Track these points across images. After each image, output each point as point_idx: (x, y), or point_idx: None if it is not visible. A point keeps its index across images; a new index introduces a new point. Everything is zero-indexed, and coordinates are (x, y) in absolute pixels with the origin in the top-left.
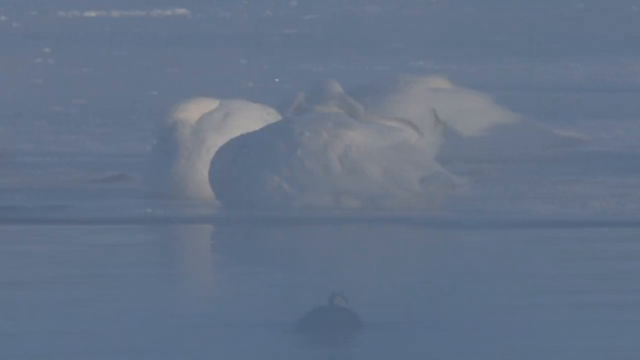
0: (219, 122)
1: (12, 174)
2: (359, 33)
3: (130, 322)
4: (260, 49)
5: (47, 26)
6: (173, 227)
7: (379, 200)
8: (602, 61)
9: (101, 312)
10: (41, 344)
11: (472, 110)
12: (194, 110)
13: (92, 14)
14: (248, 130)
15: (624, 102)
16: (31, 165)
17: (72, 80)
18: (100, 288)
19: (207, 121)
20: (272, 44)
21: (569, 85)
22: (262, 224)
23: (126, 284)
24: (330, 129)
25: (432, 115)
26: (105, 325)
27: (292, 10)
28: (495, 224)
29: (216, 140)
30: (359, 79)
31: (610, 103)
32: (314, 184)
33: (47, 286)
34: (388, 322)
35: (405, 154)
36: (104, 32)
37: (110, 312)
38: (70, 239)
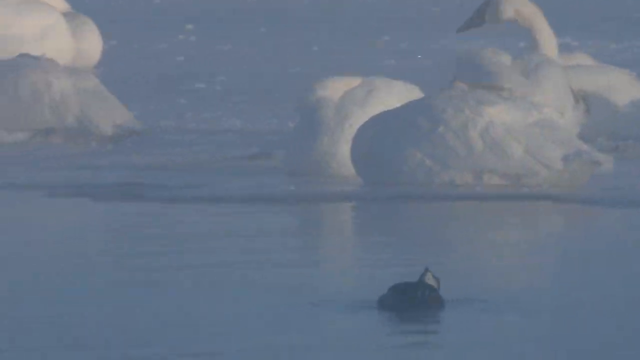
0: (361, 99)
1: (153, 151)
2: None
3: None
4: (401, 26)
5: (189, 2)
6: (315, 204)
7: (520, 178)
8: None
9: (228, 288)
10: (196, 323)
11: (614, 88)
12: (336, 88)
13: None
14: (390, 107)
15: None
16: (173, 143)
17: (214, 57)
18: (239, 266)
19: (349, 99)
20: (413, 21)
21: None
22: (404, 201)
23: (263, 261)
24: (472, 106)
25: (573, 93)
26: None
27: None
28: (639, 202)
29: (358, 118)
30: None
31: None
32: (456, 161)
33: (190, 266)
34: (478, 300)
35: (547, 131)
36: (246, 8)
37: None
38: (212, 217)
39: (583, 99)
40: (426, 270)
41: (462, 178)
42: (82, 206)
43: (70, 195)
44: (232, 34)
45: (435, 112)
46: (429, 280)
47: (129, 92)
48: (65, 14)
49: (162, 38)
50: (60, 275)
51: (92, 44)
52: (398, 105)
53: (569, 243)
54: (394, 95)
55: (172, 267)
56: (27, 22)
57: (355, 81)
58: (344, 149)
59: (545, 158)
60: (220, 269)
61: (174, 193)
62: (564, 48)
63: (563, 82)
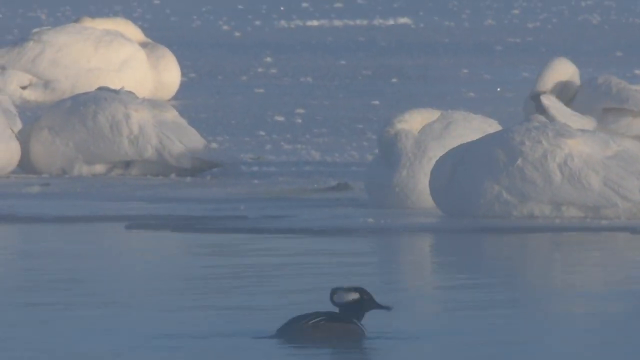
0: (440, 132)
1: (234, 183)
2: (580, 42)
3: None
4: (481, 58)
5: (269, 35)
6: (394, 236)
7: (599, 210)
8: None
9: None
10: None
11: None
12: (415, 121)
13: (315, 23)
14: (468, 140)
15: None
16: (253, 175)
17: (294, 90)
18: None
19: (428, 132)
20: (494, 53)
21: None
22: (483, 233)
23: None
24: (551, 138)
25: None
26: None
27: (515, 19)
28: None
29: (437, 151)
30: None
31: None
32: (534, 193)
33: (268, 296)
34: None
35: (626, 163)
36: (326, 41)
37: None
38: (291, 249)
39: None
40: (335, 290)
41: (541, 210)
42: (161, 238)
43: (149, 227)
44: (312, 67)
45: (514, 144)
46: (344, 297)
47: (208, 125)
48: (143, 45)
49: (242, 70)
50: (140, 308)
51: (171, 76)
52: (476, 138)
53: None
54: (473, 128)
55: (250, 296)
56: (106, 55)
57: (434, 114)
58: (423, 181)
59: (623, 190)
60: (299, 300)
61: (254, 225)
62: (636, 80)
63: None
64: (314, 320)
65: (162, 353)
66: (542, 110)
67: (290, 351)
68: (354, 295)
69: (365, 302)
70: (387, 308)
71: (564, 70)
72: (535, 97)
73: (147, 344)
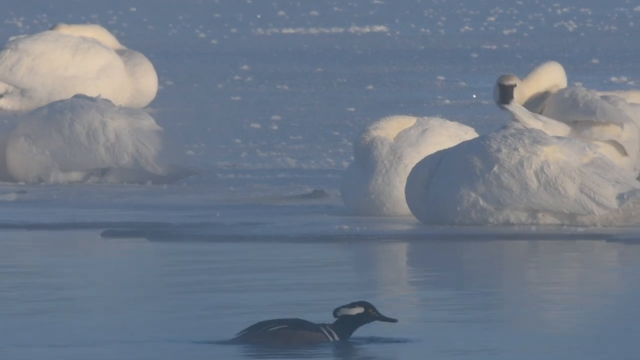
0: (416, 139)
1: (210, 190)
2: (556, 49)
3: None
4: (457, 65)
5: (245, 43)
6: (369, 243)
7: (575, 217)
8: None
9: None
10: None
11: None
12: (391, 128)
13: (291, 30)
14: (444, 147)
15: None
16: (229, 182)
17: (270, 97)
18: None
19: (404, 138)
20: (469, 60)
21: None
22: (458, 240)
23: (312, 300)
24: (527, 145)
25: (636, 132)
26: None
27: (491, 26)
28: None
29: (413, 158)
30: None
31: None
32: (510, 200)
33: (242, 301)
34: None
35: (602, 170)
36: (302, 49)
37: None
38: (266, 255)
39: None
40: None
41: (517, 217)
42: (137, 245)
43: (125, 234)
44: (288, 74)
45: (490, 151)
46: (348, 312)
47: (184, 132)
48: (119, 52)
49: (218, 78)
50: (120, 314)
51: (148, 83)
52: (452, 145)
53: (622, 282)
54: (449, 136)
55: (222, 301)
56: (83, 63)
57: (410, 121)
58: (399, 188)
59: (599, 197)
60: (279, 307)
61: (230, 232)
62: (619, 87)
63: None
64: (275, 327)
65: (120, 357)
66: (504, 99)
67: (245, 357)
68: (358, 310)
69: (367, 315)
70: (393, 320)
71: (554, 75)
72: (503, 87)
73: (105, 348)
